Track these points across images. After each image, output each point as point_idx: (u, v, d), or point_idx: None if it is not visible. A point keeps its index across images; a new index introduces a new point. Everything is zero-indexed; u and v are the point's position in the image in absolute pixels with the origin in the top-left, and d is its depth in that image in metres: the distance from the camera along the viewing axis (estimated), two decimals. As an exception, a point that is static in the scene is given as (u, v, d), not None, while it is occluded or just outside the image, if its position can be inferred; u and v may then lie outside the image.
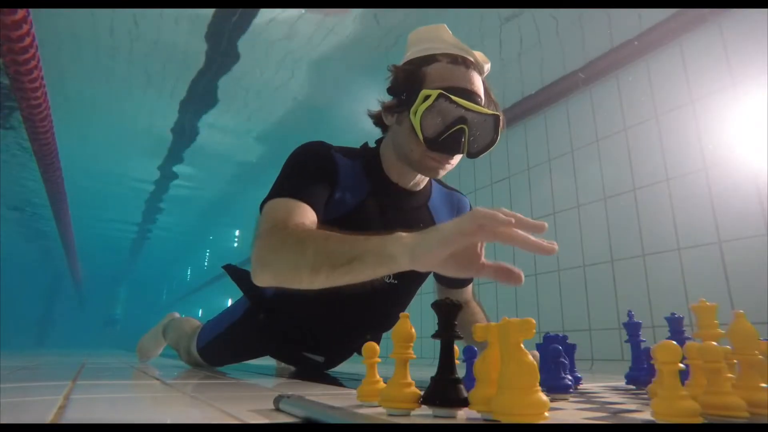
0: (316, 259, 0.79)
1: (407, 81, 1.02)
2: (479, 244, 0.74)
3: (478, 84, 1.01)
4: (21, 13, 2.09)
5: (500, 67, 2.77)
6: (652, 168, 1.99)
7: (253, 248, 0.91)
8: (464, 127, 0.96)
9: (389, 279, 1.13)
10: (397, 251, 0.71)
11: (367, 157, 1.13)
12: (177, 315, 1.97)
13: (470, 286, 1.37)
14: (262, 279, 0.89)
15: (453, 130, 0.96)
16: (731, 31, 1.80)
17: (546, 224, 0.66)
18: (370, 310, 1.20)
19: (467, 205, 1.30)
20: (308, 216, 0.95)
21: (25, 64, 2.43)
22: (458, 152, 0.99)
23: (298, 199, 0.96)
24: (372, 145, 1.18)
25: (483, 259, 0.76)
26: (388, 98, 1.08)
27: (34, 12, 2.23)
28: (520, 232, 0.67)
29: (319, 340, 1.33)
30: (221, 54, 2.91)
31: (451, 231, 0.67)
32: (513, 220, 0.64)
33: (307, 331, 1.31)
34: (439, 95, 0.93)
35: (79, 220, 6.42)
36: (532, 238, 0.67)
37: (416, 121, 0.96)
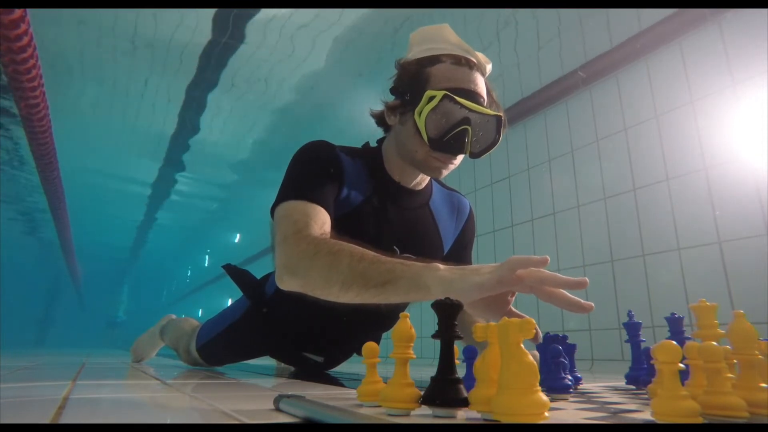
0: (349, 276, 0.81)
1: (411, 81, 1.03)
2: (511, 293, 0.79)
3: (481, 85, 1.02)
4: (18, 12, 2.09)
5: (500, 67, 2.77)
6: (652, 168, 1.99)
7: (279, 253, 0.91)
8: (468, 127, 0.97)
9: None
10: (433, 283, 0.74)
11: (369, 157, 1.13)
12: (174, 317, 1.97)
13: None
14: (289, 285, 0.90)
15: (457, 130, 0.97)
16: (731, 31, 1.80)
17: (587, 280, 0.70)
18: (370, 310, 1.20)
19: (467, 205, 1.30)
20: (326, 220, 0.96)
21: (23, 63, 2.43)
22: (462, 152, 0.99)
23: (313, 202, 0.96)
24: (373, 144, 1.18)
25: (511, 307, 0.81)
26: (390, 98, 1.09)
27: (33, 11, 2.23)
28: (558, 290, 0.71)
29: (319, 340, 1.33)
30: (220, 50, 2.91)
31: (490, 278, 0.71)
32: (548, 259, 0.70)
33: (307, 332, 1.31)
34: (444, 96, 0.94)
35: (78, 220, 6.42)
36: (570, 295, 0.71)
37: (421, 122, 0.97)
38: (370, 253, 0.84)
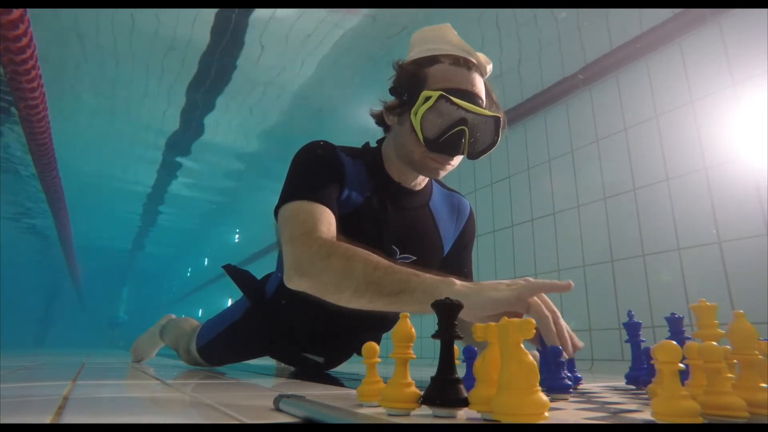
0: (362, 283, 0.81)
1: (409, 82, 1.02)
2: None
3: (479, 85, 1.01)
4: (17, 12, 2.09)
5: (500, 68, 2.77)
6: (652, 168, 1.99)
7: (288, 253, 0.91)
8: (464, 128, 0.96)
9: None
10: (478, 297, 0.74)
11: (369, 157, 1.13)
12: (173, 317, 1.97)
13: None
14: (298, 285, 0.90)
15: (453, 131, 0.96)
16: (731, 31, 1.80)
17: (581, 346, 0.74)
18: (372, 310, 1.20)
19: (467, 206, 1.30)
20: (332, 221, 0.96)
21: (23, 64, 2.43)
22: (458, 153, 0.99)
23: (318, 202, 0.96)
24: (373, 144, 1.18)
25: None
26: (390, 98, 1.09)
27: (33, 10, 2.23)
28: (558, 327, 0.72)
29: (320, 340, 1.33)
30: (221, 52, 2.91)
31: (510, 295, 0.72)
32: (571, 284, 0.71)
33: (308, 332, 1.31)
34: (440, 96, 0.93)
35: (78, 219, 6.42)
36: (566, 334, 0.72)
37: (417, 122, 0.96)
38: (385, 262, 0.84)
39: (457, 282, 0.77)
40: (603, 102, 2.25)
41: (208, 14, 2.59)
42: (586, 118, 2.31)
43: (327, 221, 0.94)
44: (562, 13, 2.32)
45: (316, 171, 1.02)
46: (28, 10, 2.17)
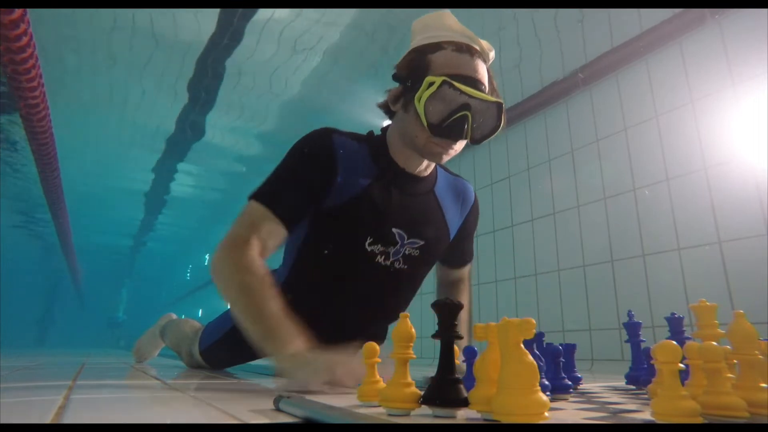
0: (240, 317, 0.96)
1: (412, 68, 1.04)
2: None
3: (482, 72, 1.02)
4: (18, 12, 2.09)
5: (501, 68, 2.77)
6: (652, 168, 1.99)
7: (219, 246, 1.03)
8: (467, 113, 0.97)
9: (399, 265, 1.14)
10: (282, 366, 0.87)
11: (374, 143, 1.14)
12: (173, 316, 1.96)
13: (468, 266, 1.42)
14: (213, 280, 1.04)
15: (456, 116, 0.98)
16: (731, 31, 1.80)
17: None
18: (374, 310, 1.20)
19: (472, 192, 1.32)
20: (276, 236, 1.04)
21: (23, 63, 2.43)
22: (461, 138, 1.01)
23: (274, 214, 1.03)
24: (377, 134, 1.19)
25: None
26: (394, 85, 1.10)
27: (33, 10, 2.23)
28: None
29: (323, 336, 1.33)
30: (221, 50, 2.91)
31: (311, 379, 0.79)
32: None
33: (311, 327, 1.30)
34: (443, 82, 0.95)
35: (78, 220, 6.41)
36: None
37: (420, 108, 0.98)
38: (259, 307, 0.93)
39: (288, 355, 0.86)
40: (603, 102, 2.25)
41: (210, 14, 2.58)
42: (586, 118, 2.31)
43: (267, 235, 1.02)
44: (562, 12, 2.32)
45: (294, 176, 1.07)
46: (29, 10, 2.17)
